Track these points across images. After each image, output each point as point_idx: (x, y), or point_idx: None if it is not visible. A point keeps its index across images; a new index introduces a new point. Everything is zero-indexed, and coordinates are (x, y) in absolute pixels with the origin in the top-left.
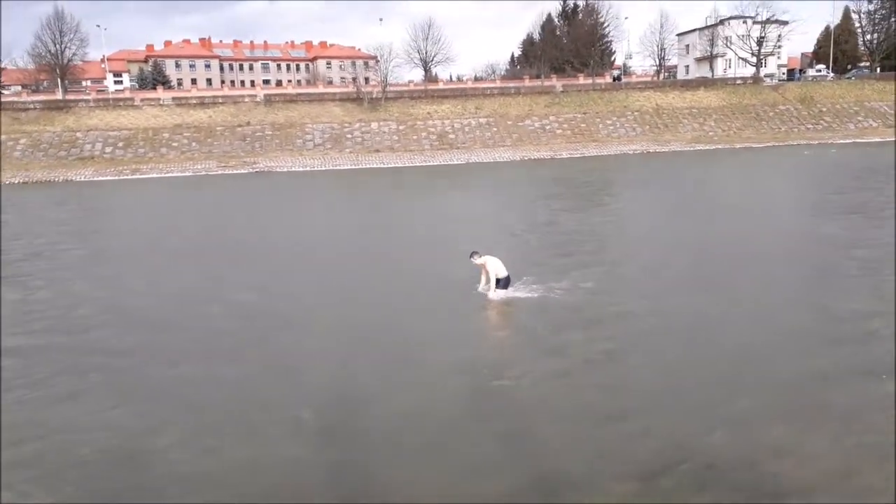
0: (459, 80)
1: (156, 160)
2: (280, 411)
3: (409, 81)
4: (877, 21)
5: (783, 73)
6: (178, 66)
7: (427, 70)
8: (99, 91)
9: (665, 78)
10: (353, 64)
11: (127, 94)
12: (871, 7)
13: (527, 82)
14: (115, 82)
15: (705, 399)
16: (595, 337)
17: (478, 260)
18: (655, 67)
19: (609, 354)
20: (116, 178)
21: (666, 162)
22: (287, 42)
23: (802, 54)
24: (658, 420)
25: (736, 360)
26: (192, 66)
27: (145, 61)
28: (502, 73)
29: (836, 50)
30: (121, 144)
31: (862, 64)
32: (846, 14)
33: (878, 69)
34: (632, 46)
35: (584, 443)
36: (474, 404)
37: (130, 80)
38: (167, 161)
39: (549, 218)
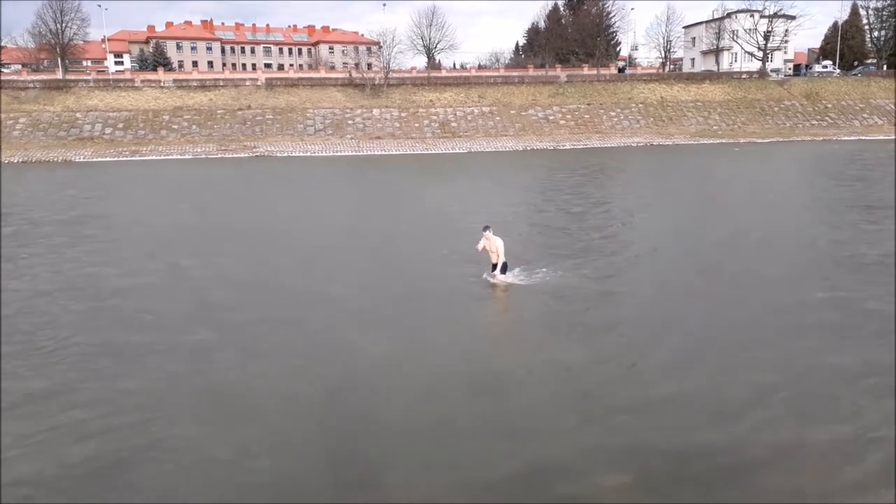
0: (463, 67)
1: (156, 142)
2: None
3: (412, 68)
4: (884, 18)
5: (789, 69)
6: (179, 47)
7: (430, 57)
8: (99, 71)
9: (670, 70)
10: (356, 49)
11: (127, 76)
12: (880, 4)
13: (531, 72)
14: (116, 63)
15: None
16: (595, 324)
17: (489, 234)
18: (661, 59)
19: (608, 341)
20: (116, 158)
21: (670, 155)
22: (290, 26)
23: (809, 50)
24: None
25: (739, 350)
26: (193, 49)
27: (146, 42)
28: (506, 61)
29: (843, 46)
30: (120, 125)
31: (869, 61)
32: (854, 10)
33: (885, 66)
34: (637, 38)
35: (579, 434)
36: (474, 392)
37: (131, 61)
38: (167, 143)
39: (549, 208)
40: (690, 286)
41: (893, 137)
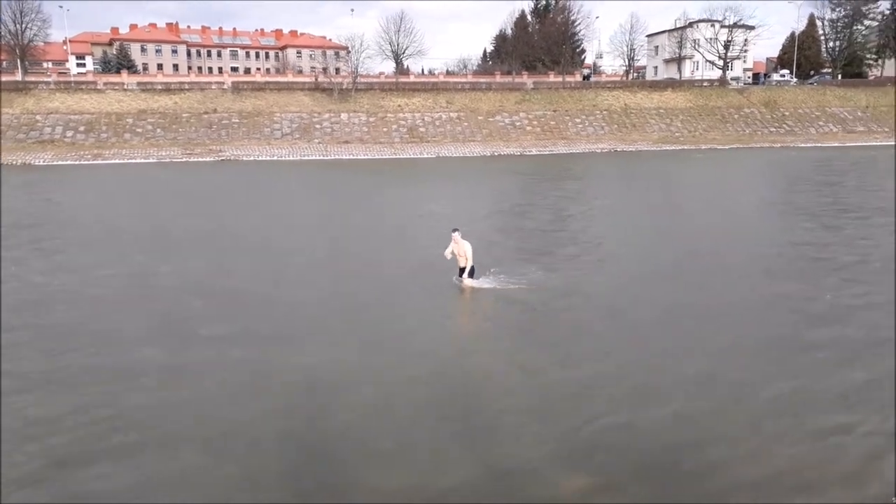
0: (431, 73)
1: (118, 146)
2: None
3: (381, 73)
4: (839, 29)
5: (748, 77)
6: (143, 50)
7: (398, 63)
8: (60, 73)
9: (634, 78)
10: (324, 54)
11: (90, 78)
12: (835, 16)
13: (498, 78)
14: (78, 65)
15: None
16: (557, 328)
17: (457, 237)
18: (625, 67)
19: (573, 345)
20: (77, 162)
21: (640, 161)
22: (257, 30)
23: (768, 59)
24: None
25: (700, 358)
26: (158, 51)
27: (109, 44)
28: (474, 68)
29: (800, 56)
30: (82, 129)
31: (824, 70)
32: (811, 21)
33: (840, 76)
34: (602, 46)
35: (544, 437)
36: (439, 395)
37: (94, 64)
38: (130, 147)
39: (516, 213)
40: (655, 288)
41: (849, 144)
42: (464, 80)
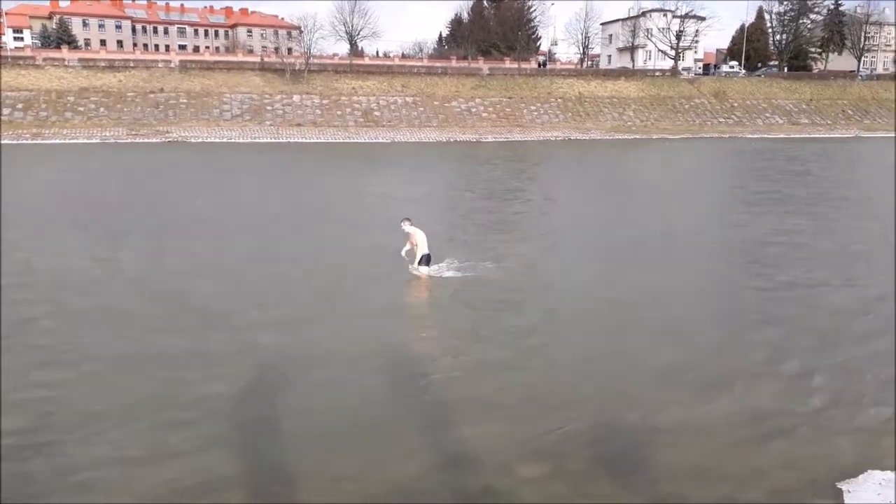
0: (386, 56)
1: (59, 125)
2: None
3: (334, 55)
4: (786, 22)
5: (699, 68)
6: (85, 24)
7: (353, 44)
8: None
9: (588, 66)
10: (276, 33)
11: (28, 52)
12: (782, 9)
13: (454, 63)
14: (15, 39)
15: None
16: (515, 320)
17: (408, 227)
18: (579, 55)
19: (527, 338)
20: (15, 142)
21: (587, 150)
22: (206, 7)
23: (717, 50)
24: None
25: (659, 344)
26: (101, 27)
27: (49, 18)
28: (430, 52)
29: (749, 47)
30: (20, 106)
31: (771, 63)
32: (759, 14)
33: (786, 68)
34: (557, 33)
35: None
36: (394, 391)
37: (32, 38)
38: (72, 126)
39: (469, 202)
40: (611, 278)
41: (795, 136)
42: (419, 63)
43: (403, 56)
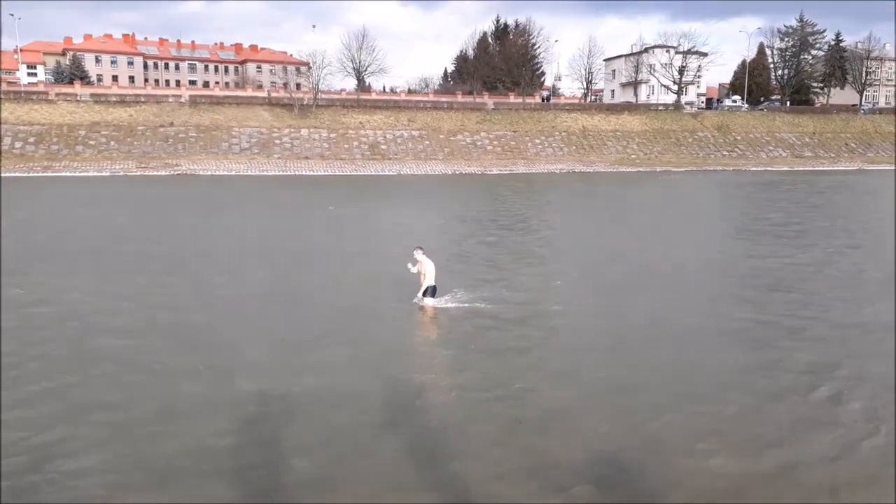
0: (393, 91)
1: (70, 158)
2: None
3: (342, 90)
4: (787, 58)
5: (702, 102)
6: (98, 61)
7: (360, 80)
8: (10, 83)
9: (592, 101)
10: (285, 69)
11: (41, 88)
12: (783, 45)
13: (459, 97)
14: (29, 74)
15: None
16: (518, 349)
17: (419, 256)
18: (583, 90)
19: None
20: (26, 175)
21: (592, 183)
22: (216, 43)
23: (720, 84)
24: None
25: (659, 374)
26: (113, 63)
27: (63, 54)
28: (436, 87)
29: (751, 82)
30: (32, 140)
31: (773, 97)
32: (761, 49)
33: (788, 102)
34: (561, 69)
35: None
36: (397, 415)
37: (46, 73)
38: (83, 160)
39: (476, 234)
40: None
41: (798, 168)
42: (426, 98)
43: (410, 91)
